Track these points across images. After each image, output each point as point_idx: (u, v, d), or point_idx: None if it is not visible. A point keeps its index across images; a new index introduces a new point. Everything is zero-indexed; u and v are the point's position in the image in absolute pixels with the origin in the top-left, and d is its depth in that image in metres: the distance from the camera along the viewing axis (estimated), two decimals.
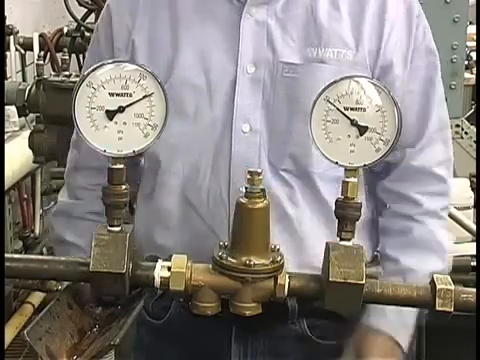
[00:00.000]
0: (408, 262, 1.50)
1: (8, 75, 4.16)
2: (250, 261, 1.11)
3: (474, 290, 1.12)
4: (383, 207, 1.56)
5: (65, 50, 3.54)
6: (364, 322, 1.47)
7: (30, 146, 2.90)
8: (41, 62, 3.05)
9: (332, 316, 1.46)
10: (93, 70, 1.09)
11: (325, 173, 1.44)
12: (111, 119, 1.09)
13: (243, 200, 1.12)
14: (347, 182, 1.11)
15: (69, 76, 2.78)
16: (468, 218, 3.05)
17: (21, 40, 4.37)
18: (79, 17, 4.10)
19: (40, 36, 4.39)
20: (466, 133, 3.72)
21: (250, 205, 1.12)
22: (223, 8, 1.48)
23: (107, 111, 1.08)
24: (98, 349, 1.23)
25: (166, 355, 1.60)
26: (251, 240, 1.12)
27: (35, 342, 1.18)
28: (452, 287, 1.10)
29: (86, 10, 4.18)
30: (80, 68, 4.35)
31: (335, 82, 1.10)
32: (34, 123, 3.00)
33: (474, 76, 4.05)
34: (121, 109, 1.08)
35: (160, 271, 1.12)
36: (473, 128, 3.72)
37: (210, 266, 1.14)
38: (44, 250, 4.07)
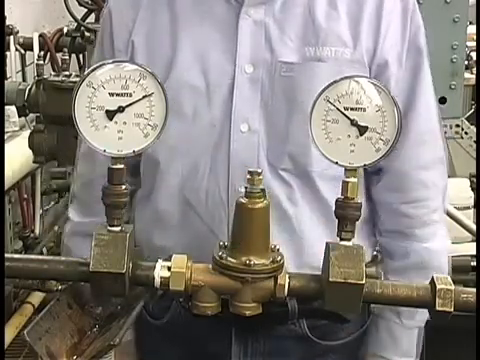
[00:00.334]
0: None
1: (8, 75, 4.15)
2: (250, 261, 1.11)
3: (474, 290, 1.11)
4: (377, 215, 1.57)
5: (65, 50, 3.53)
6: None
7: (30, 146, 2.90)
8: (41, 62, 3.04)
9: (332, 316, 1.48)
10: (93, 70, 1.09)
11: (324, 172, 1.44)
12: (111, 119, 1.09)
13: (243, 200, 1.12)
14: (347, 182, 1.11)
15: (69, 76, 2.78)
16: (468, 218, 3.05)
17: (21, 40, 4.37)
18: (79, 17, 4.09)
19: (40, 36, 4.39)
20: (466, 133, 3.72)
21: (250, 205, 1.12)
22: (221, 8, 1.48)
23: (107, 111, 1.08)
24: (98, 349, 1.23)
25: (166, 355, 1.60)
26: (251, 240, 1.12)
27: (35, 342, 1.17)
28: (452, 287, 1.10)
29: (86, 10, 4.17)
30: (80, 68, 4.36)
31: (335, 82, 1.10)
32: (34, 123, 3.00)
33: (474, 76, 4.04)
34: (121, 109, 1.08)
35: (160, 271, 1.12)
36: (473, 128, 3.71)
37: (210, 266, 1.14)
38: (44, 250, 4.07)
